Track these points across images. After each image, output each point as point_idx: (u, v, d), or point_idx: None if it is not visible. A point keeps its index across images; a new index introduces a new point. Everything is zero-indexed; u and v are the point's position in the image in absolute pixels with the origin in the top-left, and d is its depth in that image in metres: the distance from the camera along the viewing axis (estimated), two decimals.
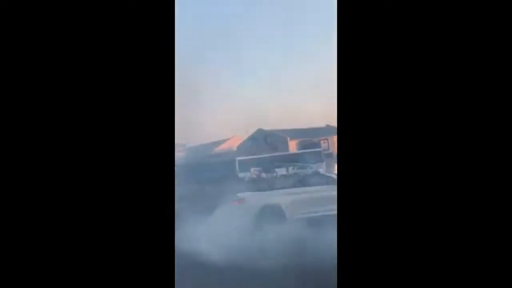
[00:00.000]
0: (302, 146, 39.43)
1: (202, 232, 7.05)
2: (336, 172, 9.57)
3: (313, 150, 34.89)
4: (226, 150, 44.24)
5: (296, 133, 42.34)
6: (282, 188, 8.58)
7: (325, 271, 4.84)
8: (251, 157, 33.53)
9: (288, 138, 40.50)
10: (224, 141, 49.20)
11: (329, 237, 5.95)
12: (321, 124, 47.78)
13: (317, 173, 11.26)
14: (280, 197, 8.11)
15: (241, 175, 32.13)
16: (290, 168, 30.81)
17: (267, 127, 43.60)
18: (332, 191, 7.69)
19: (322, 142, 40.05)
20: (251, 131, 44.47)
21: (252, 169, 32.21)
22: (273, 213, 7.75)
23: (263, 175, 32.13)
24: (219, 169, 32.23)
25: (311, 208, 7.76)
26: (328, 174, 8.62)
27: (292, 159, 32.78)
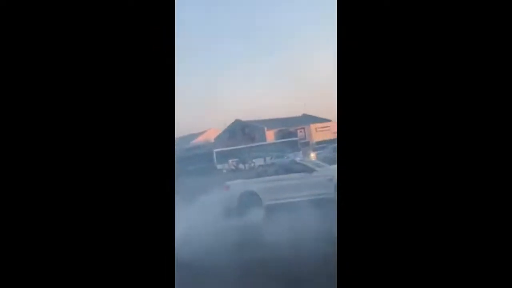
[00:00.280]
0: (279, 135, 39.70)
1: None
2: (312, 159, 9.88)
3: (290, 139, 35.24)
4: (204, 142, 44.10)
5: (273, 123, 42.52)
6: (268, 175, 8.82)
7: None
8: (229, 148, 33.61)
9: (266, 128, 40.65)
10: (201, 133, 48.95)
11: (283, 221, 6.44)
12: (298, 113, 48.27)
13: (294, 162, 11.54)
14: (259, 184, 8.47)
15: (219, 166, 32.32)
16: (268, 158, 31.19)
17: (244, 118, 43.67)
18: (308, 178, 8.10)
19: (298, 131, 40.44)
20: (229, 122, 44.42)
21: (230, 161, 32.48)
22: (251, 199, 8.25)
23: (241, 166, 32.47)
24: (197, 161, 32.34)
25: (287, 194, 8.10)
26: (304, 163, 8.86)
27: (269, 149, 33.08)
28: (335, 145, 29.40)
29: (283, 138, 37.57)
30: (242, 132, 41.94)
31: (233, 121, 43.96)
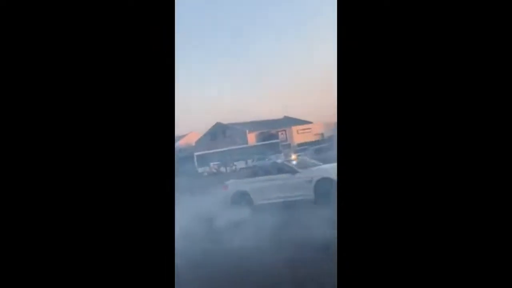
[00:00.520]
0: (261, 138, 39.71)
1: None
2: (293, 161, 10.05)
3: (271, 141, 35.28)
4: (185, 146, 43.65)
5: (254, 125, 42.55)
6: (265, 175, 8.86)
7: None
8: (210, 151, 33.36)
9: (247, 131, 40.58)
10: (182, 137, 48.49)
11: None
12: (279, 115, 48.45)
13: (275, 164, 11.66)
14: (251, 185, 8.57)
15: (200, 169, 32.03)
16: (249, 161, 31.10)
17: (225, 121, 43.47)
18: (292, 179, 8.14)
19: (280, 133, 40.53)
20: (210, 125, 44.12)
21: (211, 164, 32.24)
22: (243, 198, 8.42)
23: (222, 168, 32.29)
24: (178, 165, 31.84)
25: (277, 194, 8.20)
26: (289, 164, 8.88)
27: (251, 152, 33.01)
28: (316, 147, 29.86)
29: (264, 140, 37.62)
30: (223, 135, 41.75)
31: (214, 124, 43.74)
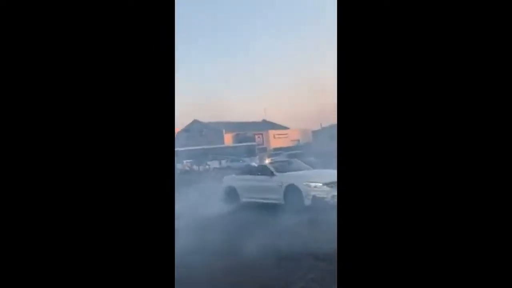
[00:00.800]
0: (237, 139, 39.58)
1: None
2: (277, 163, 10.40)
3: (247, 144, 35.21)
4: None
5: (232, 126, 42.37)
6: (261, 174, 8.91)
7: None
8: (184, 148, 32.96)
9: (224, 131, 40.37)
10: None
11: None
12: (258, 118, 48.52)
13: (248, 166, 11.87)
14: (239, 182, 8.92)
15: None
16: (223, 161, 30.90)
17: (203, 119, 43.12)
18: (269, 182, 8.27)
19: (257, 136, 40.54)
20: (187, 122, 43.66)
21: (184, 161, 31.80)
22: (231, 195, 8.90)
23: (195, 167, 31.93)
24: None
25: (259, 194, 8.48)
26: (270, 167, 8.88)
27: (226, 152, 32.81)
28: (291, 152, 29.95)
29: (241, 142, 37.48)
30: (200, 133, 41.37)
31: (191, 121, 43.33)
